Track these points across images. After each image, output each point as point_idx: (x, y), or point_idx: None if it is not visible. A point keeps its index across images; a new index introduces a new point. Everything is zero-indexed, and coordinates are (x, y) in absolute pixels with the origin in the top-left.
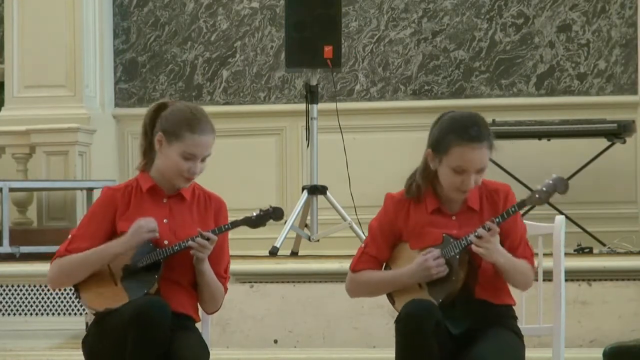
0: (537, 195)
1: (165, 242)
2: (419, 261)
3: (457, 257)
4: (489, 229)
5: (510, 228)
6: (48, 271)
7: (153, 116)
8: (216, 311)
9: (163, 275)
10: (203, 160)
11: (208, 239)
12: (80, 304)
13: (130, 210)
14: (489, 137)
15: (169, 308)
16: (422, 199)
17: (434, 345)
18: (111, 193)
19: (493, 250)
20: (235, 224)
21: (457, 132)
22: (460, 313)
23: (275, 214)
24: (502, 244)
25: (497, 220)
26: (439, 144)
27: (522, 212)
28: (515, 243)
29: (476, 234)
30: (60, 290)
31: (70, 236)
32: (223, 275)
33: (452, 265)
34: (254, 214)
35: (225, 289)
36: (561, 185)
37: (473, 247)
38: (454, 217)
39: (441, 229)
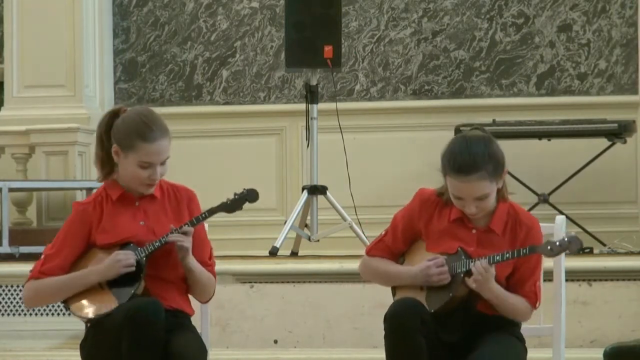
0: (549, 247)
1: (147, 243)
2: (422, 266)
3: (462, 275)
4: (485, 270)
5: (521, 262)
6: (23, 292)
7: (108, 124)
8: (210, 299)
9: (150, 273)
10: (163, 163)
11: (185, 233)
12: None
13: (104, 220)
14: (486, 165)
15: (163, 308)
16: (449, 203)
17: (421, 342)
18: (82, 208)
19: (482, 285)
20: (212, 211)
21: (449, 162)
22: (457, 323)
23: (249, 195)
24: (512, 274)
25: (498, 258)
26: (442, 167)
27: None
28: (524, 279)
29: (476, 266)
30: None
31: (43, 256)
32: (208, 263)
33: (455, 280)
34: (228, 199)
35: (215, 275)
36: (575, 245)
37: (467, 280)
38: (474, 231)
39: (459, 240)
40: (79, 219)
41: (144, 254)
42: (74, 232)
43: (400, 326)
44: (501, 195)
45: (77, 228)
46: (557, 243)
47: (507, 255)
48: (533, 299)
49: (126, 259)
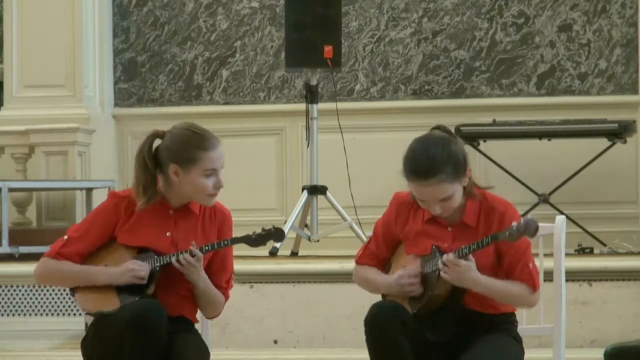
0: (507, 233)
1: (165, 255)
2: (395, 277)
3: (437, 273)
4: (449, 261)
5: (506, 248)
6: (36, 266)
7: (150, 148)
8: (215, 317)
9: (163, 283)
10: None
11: (193, 255)
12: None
13: (132, 221)
14: (444, 167)
15: (165, 311)
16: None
17: (403, 343)
18: (116, 200)
19: (460, 278)
20: (234, 241)
21: (407, 166)
22: (445, 321)
23: (276, 234)
24: (501, 261)
25: (465, 251)
26: (403, 171)
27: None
28: (513, 264)
29: (443, 260)
30: (59, 290)
31: (66, 237)
32: (223, 286)
33: (430, 281)
34: (254, 233)
35: (227, 297)
36: (531, 227)
37: (441, 273)
38: (449, 229)
39: (434, 239)
40: (109, 210)
41: (158, 265)
42: (101, 222)
43: (380, 329)
44: (467, 192)
45: (104, 218)
46: (515, 227)
47: (473, 246)
48: (530, 281)
49: (139, 270)
